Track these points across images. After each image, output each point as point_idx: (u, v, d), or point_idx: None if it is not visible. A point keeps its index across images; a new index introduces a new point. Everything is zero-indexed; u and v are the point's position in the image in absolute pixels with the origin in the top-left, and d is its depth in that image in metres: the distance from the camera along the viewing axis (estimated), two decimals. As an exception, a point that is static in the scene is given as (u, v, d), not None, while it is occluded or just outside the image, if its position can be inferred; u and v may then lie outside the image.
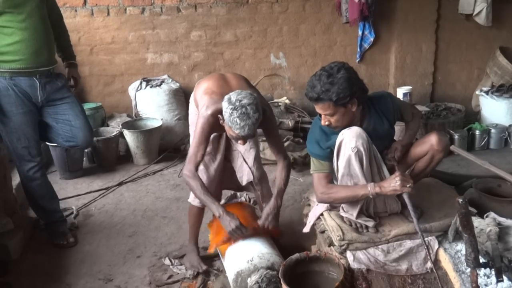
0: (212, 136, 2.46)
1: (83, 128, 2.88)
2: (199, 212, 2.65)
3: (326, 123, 2.14)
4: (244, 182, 2.62)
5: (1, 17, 2.51)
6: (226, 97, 2.17)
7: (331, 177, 2.26)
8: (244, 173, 2.61)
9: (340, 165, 2.17)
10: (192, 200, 2.60)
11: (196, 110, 2.50)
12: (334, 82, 2.02)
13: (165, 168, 4.23)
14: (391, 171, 2.24)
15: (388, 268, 2.26)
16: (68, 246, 2.96)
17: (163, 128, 4.43)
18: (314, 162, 2.26)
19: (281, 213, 2.66)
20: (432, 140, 2.24)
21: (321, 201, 2.32)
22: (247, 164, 2.59)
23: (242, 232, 2.32)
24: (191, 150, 2.33)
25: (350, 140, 2.10)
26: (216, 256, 2.69)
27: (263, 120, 2.22)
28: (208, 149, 2.50)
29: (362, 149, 2.10)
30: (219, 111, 2.21)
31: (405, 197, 2.08)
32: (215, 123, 2.27)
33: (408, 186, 2.05)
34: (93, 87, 4.77)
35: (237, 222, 2.30)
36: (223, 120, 2.18)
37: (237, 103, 2.10)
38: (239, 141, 2.24)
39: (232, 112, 2.10)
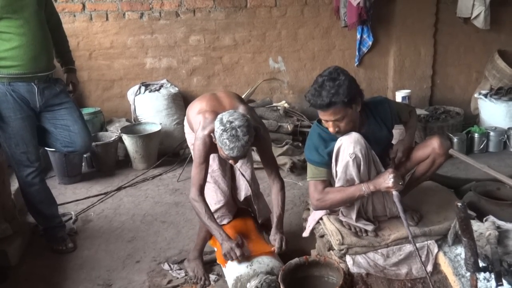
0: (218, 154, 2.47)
1: (82, 133, 2.88)
2: None
3: (336, 129, 2.13)
4: (242, 197, 2.61)
5: (-1, 22, 2.51)
6: (218, 116, 2.17)
7: (327, 183, 2.24)
8: (242, 188, 2.60)
9: (339, 170, 2.17)
10: None
11: (191, 132, 2.49)
12: (340, 84, 2.04)
13: (164, 173, 4.22)
14: None
15: (388, 272, 2.25)
16: (67, 251, 2.95)
17: (162, 133, 4.42)
18: (311, 169, 2.24)
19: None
20: (433, 144, 2.24)
21: (317, 208, 2.31)
22: (245, 178, 2.58)
23: (235, 254, 2.25)
24: (193, 172, 2.32)
25: (348, 146, 2.10)
26: (215, 261, 2.68)
27: (255, 139, 2.22)
28: (216, 167, 2.51)
29: (360, 155, 2.10)
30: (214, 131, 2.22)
31: (396, 201, 2.09)
32: (211, 143, 2.26)
33: (400, 183, 2.06)
34: (92, 92, 4.77)
35: (233, 245, 2.27)
36: (215, 139, 2.18)
37: (228, 125, 2.10)
38: (230, 161, 2.25)
39: (222, 133, 2.10)
